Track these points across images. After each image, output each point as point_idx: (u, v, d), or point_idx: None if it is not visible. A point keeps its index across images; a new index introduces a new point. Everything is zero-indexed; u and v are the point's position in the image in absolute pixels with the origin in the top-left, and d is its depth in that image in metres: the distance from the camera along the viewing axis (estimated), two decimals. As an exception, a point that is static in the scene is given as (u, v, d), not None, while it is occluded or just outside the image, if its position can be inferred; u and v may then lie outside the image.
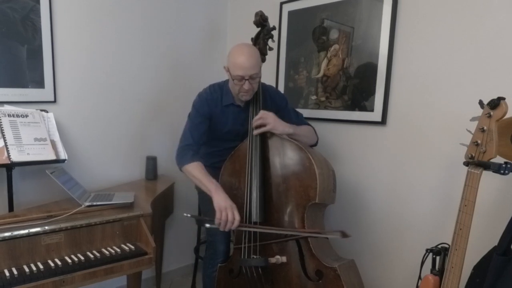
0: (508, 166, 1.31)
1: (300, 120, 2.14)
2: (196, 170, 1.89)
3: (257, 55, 1.90)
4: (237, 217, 1.75)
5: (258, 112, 1.95)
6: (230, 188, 1.98)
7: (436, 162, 1.99)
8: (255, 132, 1.91)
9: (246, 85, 1.87)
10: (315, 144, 2.12)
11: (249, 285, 1.89)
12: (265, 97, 2.06)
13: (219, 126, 2.04)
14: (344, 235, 1.66)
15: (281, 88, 2.67)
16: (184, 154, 1.95)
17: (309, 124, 2.14)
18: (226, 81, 2.04)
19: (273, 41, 2.26)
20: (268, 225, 1.87)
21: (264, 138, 1.95)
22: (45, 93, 2.23)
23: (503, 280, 1.38)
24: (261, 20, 2.18)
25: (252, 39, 2.25)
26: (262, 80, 2.06)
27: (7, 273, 1.55)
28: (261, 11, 2.18)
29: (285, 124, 1.92)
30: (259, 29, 2.22)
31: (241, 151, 1.99)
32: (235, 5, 3.07)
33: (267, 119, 1.88)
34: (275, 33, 2.26)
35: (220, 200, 1.77)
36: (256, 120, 1.90)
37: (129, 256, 1.82)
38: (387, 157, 2.19)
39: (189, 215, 1.82)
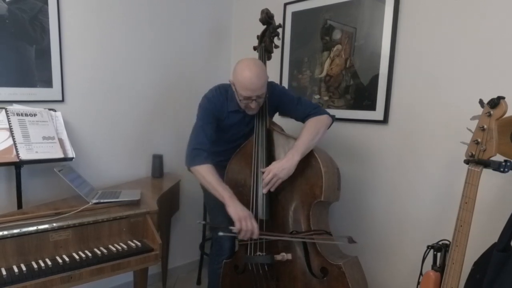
0: (508, 164, 1.32)
1: (315, 109, 2.02)
2: (209, 174, 1.86)
3: (264, 74, 1.84)
4: (255, 224, 1.77)
5: (264, 117, 1.95)
6: (236, 186, 1.99)
7: (437, 160, 2.01)
8: (273, 189, 1.83)
9: (253, 104, 1.85)
10: (331, 123, 2.02)
11: (254, 281, 1.91)
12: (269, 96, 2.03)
13: (225, 128, 2.05)
14: (351, 241, 1.71)
15: (284, 88, 2.69)
16: (197, 155, 1.91)
17: (324, 112, 2.01)
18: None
19: (278, 39, 2.26)
20: (273, 223, 1.89)
21: (270, 135, 1.96)
22: (53, 93, 2.26)
23: (503, 276, 1.40)
24: (267, 18, 2.17)
25: (258, 36, 2.25)
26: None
27: (15, 269, 1.57)
28: (267, 9, 2.17)
29: (289, 160, 1.79)
30: (264, 26, 2.21)
31: (247, 149, 1.99)
32: (240, 5, 3.09)
33: (274, 175, 1.79)
34: (279, 32, 2.27)
35: (238, 210, 1.78)
36: (265, 185, 1.82)
37: (136, 252, 1.84)
38: (389, 155, 2.21)
39: (203, 222, 1.82)
